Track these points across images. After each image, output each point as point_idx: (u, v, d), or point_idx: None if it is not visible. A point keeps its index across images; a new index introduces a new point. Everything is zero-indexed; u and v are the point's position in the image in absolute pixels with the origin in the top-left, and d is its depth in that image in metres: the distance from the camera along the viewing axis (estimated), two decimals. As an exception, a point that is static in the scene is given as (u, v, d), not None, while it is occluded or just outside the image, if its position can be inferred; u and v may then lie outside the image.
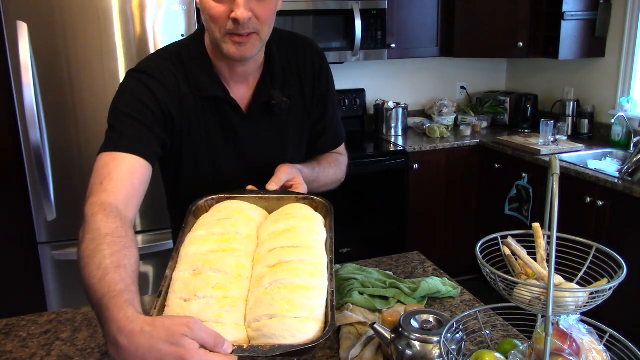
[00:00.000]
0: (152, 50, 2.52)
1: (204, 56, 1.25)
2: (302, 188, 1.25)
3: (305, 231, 1.06)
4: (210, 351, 0.78)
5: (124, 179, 1.07)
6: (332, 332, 1.26)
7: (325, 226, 1.14)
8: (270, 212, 1.19)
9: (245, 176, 1.29)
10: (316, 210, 1.19)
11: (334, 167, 1.45)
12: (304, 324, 0.89)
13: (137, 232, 2.67)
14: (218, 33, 1.15)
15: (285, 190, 1.24)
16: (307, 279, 0.94)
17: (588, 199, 2.72)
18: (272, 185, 1.20)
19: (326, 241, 1.09)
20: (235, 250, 1.01)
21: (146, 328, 0.78)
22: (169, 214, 1.50)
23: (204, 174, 1.32)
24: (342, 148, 1.54)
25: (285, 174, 1.23)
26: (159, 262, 2.74)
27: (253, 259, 1.03)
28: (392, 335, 1.08)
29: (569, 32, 3.20)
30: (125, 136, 1.14)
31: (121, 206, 1.05)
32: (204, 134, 1.28)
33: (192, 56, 1.26)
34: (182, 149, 1.29)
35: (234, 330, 0.88)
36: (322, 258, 1.01)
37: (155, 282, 2.74)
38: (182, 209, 1.21)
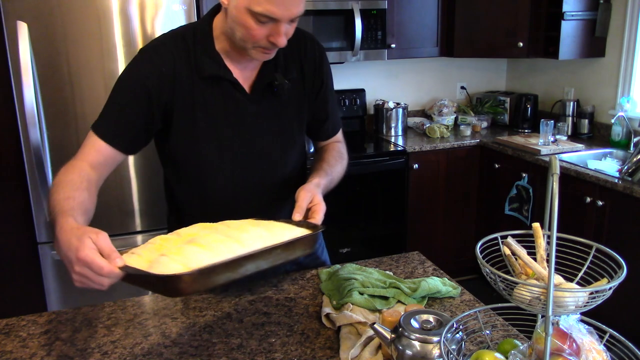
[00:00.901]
0: (152, 50, 2.52)
1: (208, 40, 1.33)
2: (322, 207, 1.29)
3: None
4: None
5: (92, 155, 1.29)
6: (333, 332, 1.27)
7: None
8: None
9: (248, 154, 1.40)
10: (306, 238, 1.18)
11: (340, 163, 1.52)
12: (173, 265, 0.96)
13: (137, 232, 2.67)
14: (250, 44, 1.26)
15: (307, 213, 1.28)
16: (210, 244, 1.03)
17: (588, 199, 2.72)
18: (297, 216, 1.25)
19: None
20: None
21: (73, 228, 1.04)
22: (164, 192, 1.55)
23: (205, 151, 1.38)
24: (340, 135, 1.63)
25: (305, 200, 1.28)
26: (159, 262, 2.74)
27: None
28: (392, 335, 1.08)
29: (569, 32, 3.20)
30: (107, 123, 1.31)
31: (85, 165, 1.27)
32: (206, 112, 1.35)
33: (197, 39, 1.33)
34: (182, 126, 1.35)
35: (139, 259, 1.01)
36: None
37: (155, 282, 2.74)
38: (182, 189, 1.42)
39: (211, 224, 1.17)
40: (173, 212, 1.56)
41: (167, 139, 1.39)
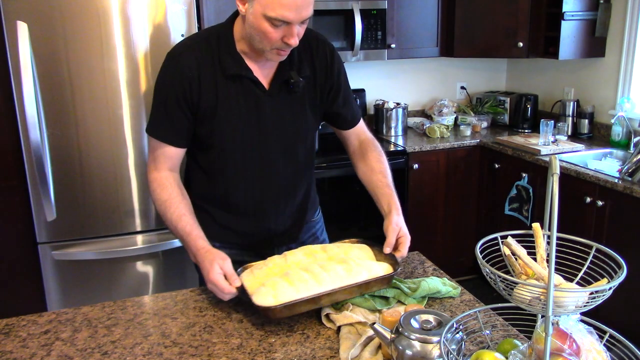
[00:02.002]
0: (152, 51, 2.52)
1: (230, 42, 1.48)
2: (407, 239, 1.51)
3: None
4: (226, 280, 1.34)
5: (165, 160, 1.53)
6: (333, 332, 1.27)
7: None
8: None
9: (266, 145, 1.56)
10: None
11: (386, 164, 1.69)
12: (268, 298, 1.29)
13: (137, 233, 2.67)
14: (267, 46, 1.39)
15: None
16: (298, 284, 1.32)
17: (588, 199, 2.72)
18: (387, 250, 1.47)
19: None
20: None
21: (206, 252, 1.41)
22: (187, 180, 1.69)
23: (229, 143, 1.54)
24: (362, 125, 1.75)
25: (394, 235, 1.49)
26: (159, 262, 2.74)
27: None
28: (392, 335, 1.08)
29: (569, 32, 3.20)
30: (162, 126, 1.51)
31: (168, 172, 1.53)
32: (230, 108, 1.50)
33: (220, 41, 1.48)
34: (211, 120, 1.50)
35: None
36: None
37: (155, 282, 2.74)
38: (208, 177, 1.60)
39: (312, 250, 1.47)
40: (196, 202, 1.65)
41: (195, 133, 1.54)
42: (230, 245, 1.64)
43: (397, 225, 1.51)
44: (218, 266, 1.35)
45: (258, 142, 1.55)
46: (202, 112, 1.49)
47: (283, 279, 1.31)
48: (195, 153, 1.60)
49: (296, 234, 1.72)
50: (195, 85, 1.46)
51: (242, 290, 1.33)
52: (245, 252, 1.64)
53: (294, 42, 1.37)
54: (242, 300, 1.37)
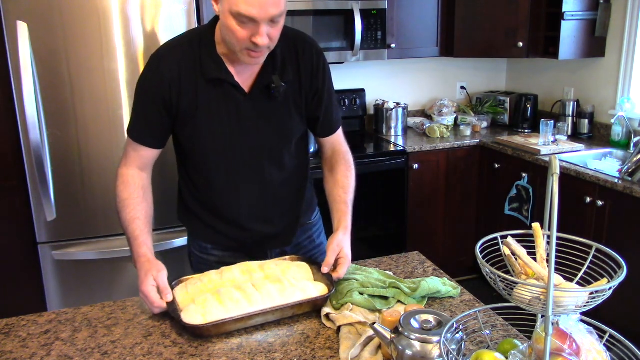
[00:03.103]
0: (152, 51, 2.51)
1: (211, 44, 1.44)
2: (347, 262, 1.46)
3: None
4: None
5: (136, 159, 1.52)
6: (333, 332, 1.27)
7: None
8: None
9: (248, 150, 1.52)
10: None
11: (350, 177, 1.64)
12: (196, 316, 1.30)
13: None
14: (237, 47, 1.35)
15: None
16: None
17: (588, 199, 2.72)
18: (325, 269, 1.44)
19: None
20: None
21: (144, 262, 1.41)
22: (178, 184, 1.69)
23: (209, 147, 1.51)
24: (339, 134, 1.69)
25: (333, 253, 1.45)
26: (159, 262, 2.74)
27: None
28: (392, 335, 1.08)
29: (569, 32, 3.20)
30: (137, 127, 1.50)
31: (136, 170, 1.52)
32: (210, 112, 1.47)
33: (202, 44, 1.45)
34: (192, 124, 1.48)
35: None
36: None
37: (155, 282, 2.74)
38: (193, 180, 1.59)
39: (249, 267, 1.45)
40: (181, 205, 1.69)
41: (176, 136, 1.54)
42: (221, 247, 1.64)
43: (338, 246, 1.46)
44: (152, 278, 1.35)
45: (240, 147, 1.51)
46: (181, 115, 1.46)
47: (214, 296, 1.31)
48: (182, 159, 1.60)
49: (290, 237, 1.69)
50: (175, 87, 1.43)
51: (172, 305, 1.33)
52: (238, 255, 1.62)
53: (262, 41, 1.30)
54: (171, 316, 1.34)
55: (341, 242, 1.48)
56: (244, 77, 1.47)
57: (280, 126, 1.54)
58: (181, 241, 2.75)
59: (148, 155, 1.52)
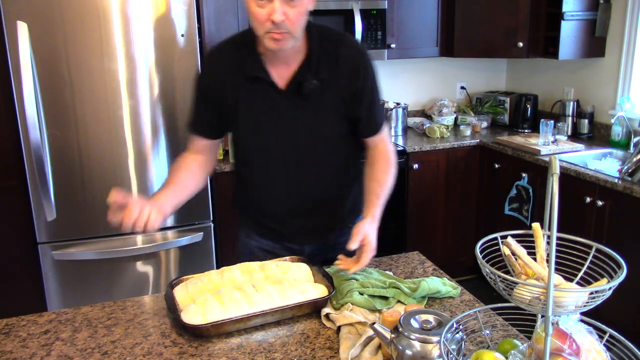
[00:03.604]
0: (151, 51, 2.52)
1: (253, 44, 1.52)
2: (370, 250, 1.47)
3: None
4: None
5: (192, 145, 1.66)
6: (333, 332, 1.27)
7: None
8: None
9: (285, 147, 1.58)
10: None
11: (388, 173, 1.64)
12: (196, 316, 1.31)
13: (136, 233, 2.67)
14: (260, 31, 1.41)
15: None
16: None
17: (588, 199, 2.72)
18: (352, 246, 1.45)
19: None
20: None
21: (150, 198, 1.53)
22: (232, 175, 1.82)
23: (250, 142, 1.62)
24: (382, 135, 1.68)
25: (359, 235, 1.46)
26: (159, 262, 2.74)
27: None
28: (392, 335, 1.08)
29: (569, 32, 3.20)
30: (190, 118, 1.64)
31: (192, 154, 1.66)
32: (249, 108, 1.56)
33: (245, 43, 1.53)
34: (237, 119, 1.58)
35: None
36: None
37: (154, 282, 2.74)
38: (241, 173, 1.70)
39: (249, 268, 1.46)
40: (234, 194, 1.82)
41: (231, 127, 1.65)
42: (263, 236, 1.71)
43: (362, 231, 1.47)
44: (142, 203, 1.46)
45: (277, 143, 1.58)
46: (225, 110, 1.57)
47: (215, 297, 1.32)
48: (233, 152, 1.76)
49: (327, 234, 1.69)
50: (219, 84, 1.54)
51: (172, 306, 1.34)
52: (276, 245, 1.70)
53: (277, 17, 1.34)
54: (170, 317, 1.36)
55: (366, 229, 1.48)
56: (281, 75, 1.52)
57: (315, 124, 1.56)
58: (197, 237, 2.77)
59: (201, 143, 1.64)
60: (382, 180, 1.61)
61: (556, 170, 0.82)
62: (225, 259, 2.95)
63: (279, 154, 1.59)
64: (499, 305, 1.07)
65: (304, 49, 1.52)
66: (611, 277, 0.91)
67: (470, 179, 3.52)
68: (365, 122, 1.63)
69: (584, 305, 0.89)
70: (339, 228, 1.70)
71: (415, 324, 1.08)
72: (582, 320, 0.93)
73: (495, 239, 1.01)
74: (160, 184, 2.70)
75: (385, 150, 1.67)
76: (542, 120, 3.21)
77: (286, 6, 1.36)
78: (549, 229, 0.87)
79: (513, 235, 0.99)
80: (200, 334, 1.27)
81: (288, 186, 1.63)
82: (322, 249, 1.70)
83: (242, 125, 1.58)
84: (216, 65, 1.57)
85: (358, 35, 3.15)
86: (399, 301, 1.39)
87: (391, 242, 3.35)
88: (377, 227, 1.55)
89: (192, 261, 2.80)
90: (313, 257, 1.63)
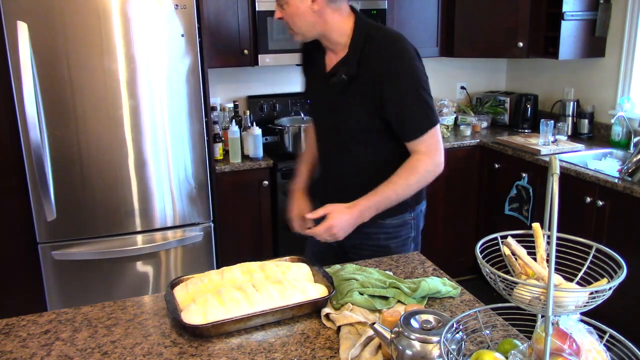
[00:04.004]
0: (152, 50, 2.52)
1: None
2: (319, 230, 1.62)
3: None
4: None
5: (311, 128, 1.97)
6: (333, 332, 1.27)
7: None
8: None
9: (327, 131, 1.80)
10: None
11: (404, 178, 1.64)
12: (195, 316, 1.32)
13: (137, 233, 2.67)
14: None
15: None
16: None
17: (588, 199, 2.72)
18: (309, 215, 1.68)
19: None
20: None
21: (292, 194, 1.88)
22: None
23: (311, 116, 1.93)
24: (418, 143, 1.65)
25: (322, 210, 1.63)
26: (159, 262, 2.74)
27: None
28: (392, 335, 1.08)
29: (569, 32, 3.20)
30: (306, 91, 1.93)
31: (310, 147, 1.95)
32: (311, 94, 1.86)
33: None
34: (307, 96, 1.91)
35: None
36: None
37: (154, 282, 2.74)
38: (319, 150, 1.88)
39: (249, 268, 1.46)
40: None
41: None
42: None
43: (327, 208, 1.62)
44: (292, 210, 1.81)
45: (322, 127, 1.82)
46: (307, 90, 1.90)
47: (215, 297, 1.32)
48: None
49: (360, 227, 1.67)
50: (307, 75, 1.87)
51: (172, 306, 1.34)
52: None
53: (275, 16, 1.65)
54: (170, 317, 1.36)
55: (332, 210, 1.61)
56: (330, 64, 1.70)
57: (344, 115, 1.68)
58: (197, 237, 2.78)
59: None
60: (392, 181, 1.63)
61: (556, 170, 0.82)
62: (225, 259, 2.95)
63: (323, 136, 1.82)
64: (499, 305, 1.07)
65: (343, 44, 1.66)
66: (611, 277, 0.91)
67: (470, 179, 3.52)
68: (397, 127, 1.65)
69: (584, 305, 0.89)
70: (370, 223, 1.68)
71: (415, 324, 1.08)
72: (582, 320, 0.93)
73: (495, 239, 1.01)
74: (160, 183, 2.71)
75: (415, 159, 1.65)
76: (542, 120, 3.22)
77: (279, 8, 1.63)
78: (549, 229, 0.87)
79: (513, 235, 0.99)
80: (200, 334, 1.27)
81: (329, 168, 1.83)
82: (353, 237, 1.69)
83: (309, 107, 1.91)
84: (305, 56, 1.85)
85: (358, 35, 3.15)
86: (399, 301, 1.39)
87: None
88: (353, 220, 1.61)
89: (192, 261, 2.80)
90: (347, 240, 1.68)
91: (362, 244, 1.76)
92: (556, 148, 3.14)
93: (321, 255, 1.80)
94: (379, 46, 1.61)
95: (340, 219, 1.58)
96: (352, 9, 1.69)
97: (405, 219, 1.78)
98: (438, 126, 1.72)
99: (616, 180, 2.59)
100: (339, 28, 1.64)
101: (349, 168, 1.75)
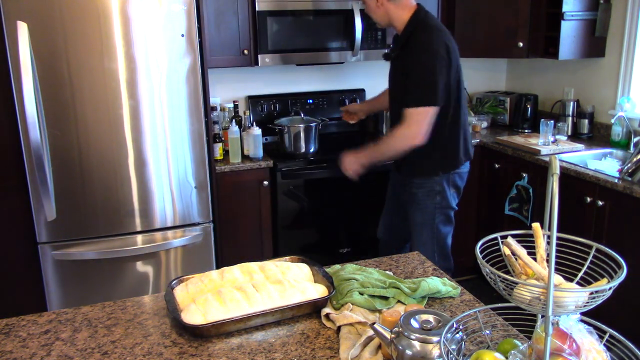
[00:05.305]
0: (152, 50, 2.52)
1: None
2: (341, 162, 2.47)
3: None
4: None
5: None
6: (333, 332, 1.27)
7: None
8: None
9: (390, 90, 2.55)
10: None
11: (385, 142, 2.41)
12: (196, 316, 1.33)
13: (137, 233, 2.67)
14: None
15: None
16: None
17: (588, 199, 2.72)
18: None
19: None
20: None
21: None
22: None
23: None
24: (407, 116, 2.27)
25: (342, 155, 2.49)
26: (159, 262, 2.74)
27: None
28: (392, 335, 1.08)
29: (569, 32, 3.20)
30: None
31: None
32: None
33: None
34: None
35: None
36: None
37: (154, 282, 2.74)
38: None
39: (249, 268, 1.47)
40: None
41: None
42: None
43: (343, 154, 2.45)
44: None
45: (390, 93, 2.50)
46: None
47: (215, 297, 1.33)
48: None
49: (400, 169, 2.55)
50: None
51: (172, 306, 1.35)
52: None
53: (362, 6, 2.48)
54: (170, 317, 1.36)
55: (346, 153, 2.44)
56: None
57: (393, 83, 2.46)
58: (197, 237, 2.78)
59: None
60: (381, 139, 2.44)
61: (556, 170, 0.82)
62: (225, 259, 2.95)
63: (390, 96, 2.49)
64: (499, 305, 1.07)
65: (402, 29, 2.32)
66: (611, 277, 0.91)
67: (470, 179, 3.52)
68: (405, 95, 2.24)
69: (584, 305, 0.89)
70: (406, 171, 2.52)
71: (415, 324, 1.08)
72: (582, 320, 0.93)
73: (495, 239, 1.01)
74: (160, 183, 2.71)
75: (399, 125, 2.28)
76: (542, 120, 3.21)
77: (362, 4, 2.47)
78: (549, 229, 0.87)
79: (513, 235, 0.99)
80: (200, 334, 1.27)
81: (391, 124, 2.39)
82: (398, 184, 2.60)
83: None
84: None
85: (358, 35, 3.15)
86: (399, 301, 1.39)
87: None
88: (355, 159, 2.43)
89: (192, 261, 2.80)
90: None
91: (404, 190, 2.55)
92: (556, 148, 3.14)
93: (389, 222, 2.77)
94: (416, 37, 2.22)
95: (345, 158, 2.44)
96: (417, 5, 2.32)
97: (432, 178, 2.49)
98: (432, 108, 2.22)
99: (616, 180, 2.59)
100: (399, 19, 2.31)
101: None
